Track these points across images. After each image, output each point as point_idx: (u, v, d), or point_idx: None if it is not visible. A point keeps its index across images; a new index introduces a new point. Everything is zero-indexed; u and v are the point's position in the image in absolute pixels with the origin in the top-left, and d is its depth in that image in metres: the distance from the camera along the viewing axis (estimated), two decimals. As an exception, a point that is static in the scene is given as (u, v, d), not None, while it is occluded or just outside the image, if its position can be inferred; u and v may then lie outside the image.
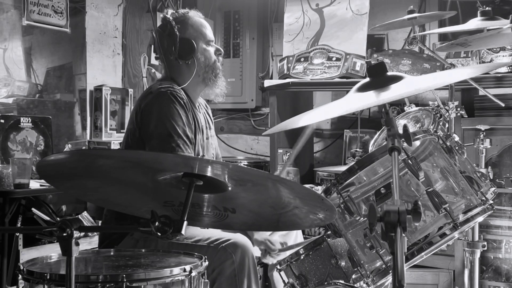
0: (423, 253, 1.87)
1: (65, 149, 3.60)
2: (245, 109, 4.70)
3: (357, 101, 1.62)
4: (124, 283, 1.58)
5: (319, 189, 3.29)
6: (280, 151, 3.89)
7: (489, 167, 2.62)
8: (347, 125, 4.26)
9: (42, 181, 3.03)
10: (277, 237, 2.57)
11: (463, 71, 2.05)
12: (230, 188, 1.59)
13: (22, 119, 3.33)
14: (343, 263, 2.04)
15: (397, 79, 1.62)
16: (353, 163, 1.95)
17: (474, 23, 2.88)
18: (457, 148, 1.99)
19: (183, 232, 1.45)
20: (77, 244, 1.43)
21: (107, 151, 2.65)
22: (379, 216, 1.28)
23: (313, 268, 2.07)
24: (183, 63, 2.62)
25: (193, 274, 1.69)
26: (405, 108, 2.48)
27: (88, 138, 3.92)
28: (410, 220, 1.28)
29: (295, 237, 2.76)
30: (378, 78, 1.64)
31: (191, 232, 2.39)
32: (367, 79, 1.66)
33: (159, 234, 1.44)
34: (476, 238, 2.64)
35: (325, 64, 3.69)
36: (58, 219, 2.05)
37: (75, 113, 3.97)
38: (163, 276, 1.64)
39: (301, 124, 1.69)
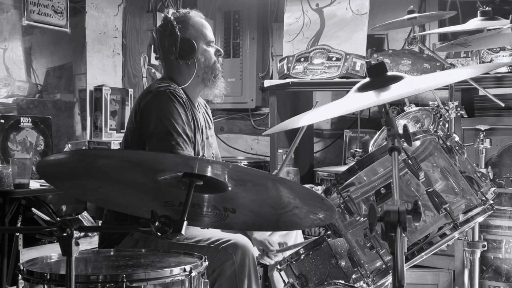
0: (423, 253, 1.87)
1: (65, 149, 3.60)
2: (245, 109, 4.70)
3: (357, 101, 1.62)
4: (124, 283, 1.58)
5: (319, 189, 3.29)
6: (280, 151, 3.88)
7: (489, 167, 2.62)
8: (347, 125, 4.26)
9: (42, 181, 3.03)
10: (277, 237, 2.57)
11: (463, 71, 2.05)
12: (230, 188, 1.59)
13: (22, 119, 3.33)
14: (343, 263, 2.04)
15: (397, 79, 1.62)
16: (353, 163, 1.95)
17: (474, 23, 2.88)
18: (457, 148, 1.99)
19: (183, 232, 1.45)
20: (77, 244, 1.43)
21: (107, 151, 2.65)
22: (379, 216, 1.28)
23: (313, 268, 2.07)
24: (183, 63, 2.62)
25: (193, 274, 1.69)
26: (405, 108, 2.48)
27: (88, 138, 3.92)
28: (410, 220, 1.28)
29: (295, 237, 2.76)
30: (378, 78, 1.64)
31: (192, 232, 2.39)
32: (367, 79, 1.66)
33: (159, 234, 1.44)
34: (476, 238, 2.64)
35: (325, 64, 3.69)
36: (58, 219, 2.05)
37: (75, 113, 3.97)
38: (163, 276, 1.64)
39: (301, 124, 1.69)
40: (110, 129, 3.96)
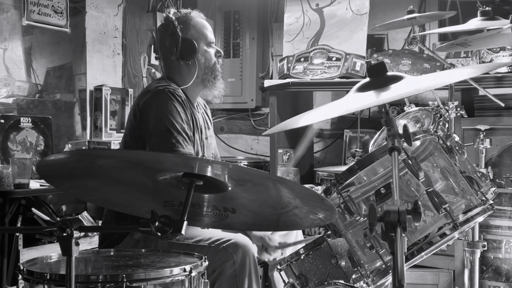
0: (423, 253, 1.87)
1: (65, 149, 3.60)
2: (245, 109, 4.70)
3: (357, 101, 1.62)
4: (124, 283, 1.58)
5: (319, 189, 3.29)
6: (280, 151, 3.89)
7: (489, 167, 2.62)
8: (347, 125, 4.26)
9: (42, 181, 3.03)
10: (277, 237, 2.57)
11: (463, 71, 2.05)
12: (230, 188, 1.59)
13: (22, 119, 3.33)
14: (343, 263, 2.04)
15: (397, 79, 1.62)
16: (353, 163, 1.95)
17: (474, 23, 2.88)
18: (457, 148, 1.99)
19: (183, 232, 1.45)
20: (77, 244, 1.43)
21: (107, 151, 2.65)
22: (379, 216, 1.28)
23: (313, 268, 2.07)
24: (184, 64, 2.62)
25: (193, 274, 1.69)
26: (405, 108, 2.48)
27: (88, 138, 3.92)
28: (410, 220, 1.28)
29: (295, 237, 2.76)
30: (378, 78, 1.64)
31: (192, 232, 2.39)
32: (367, 79, 1.66)
33: (159, 234, 1.44)
34: (476, 238, 2.64)
35: (325, 64, 3.69)
36: (58, 219, 2.05)
37: (75, 113, 3.97)
38: (163, 276, 1.64)
39: (301, 124, 1.69)
40: (110, 129, 3.96)
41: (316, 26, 3.86)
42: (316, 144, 4.49)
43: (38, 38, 3.78)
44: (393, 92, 1.56)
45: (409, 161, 1.76)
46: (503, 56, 3.32)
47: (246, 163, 4.24)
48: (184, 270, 1.68)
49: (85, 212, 3.02)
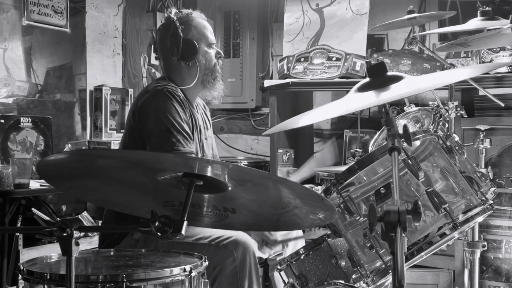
0: (423, 253, 1.87)
1: (65, 149, 3.60)
2: (245, 109, 4.70)
3: (357, 101, 1.62)
4: (124, 283, 1.58)
5: (319, 189, 3.29)
6: (280, 151, 3.89)
7: (489, 167, 2.63)
8: (347, 125, 4.25)
9: (42, 181, 3.03)
10: (277, 237, 2.57)
11: (463, 71, 2.05)
12: (230, 188, 1.59)
13: (22, 119, 3.33)
14: (343, 263, 2.04)
15: (397, 79, 1.62)
16: (353, 163, 1.95)
17: (474, 23, 2.88)
18: (457, 148, 1.99)
19: (183, 232, 1.45)
20: (77, 244, 1.43)
21: (107, 151, 2.65)
22: (379, 216, 1.28)
23: (313, 268, 2.07)
24: (184, 64, 2.62)
25: (193, 274, 1.69)
26: (405, 108, 2.48)
27: (88, 138, 3.92)
28: (410, 220, 1.28)
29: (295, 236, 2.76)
30: (378, 78, 1.64)
31: (192, 230, 2.39)
32: (367, 79, 1.66)
33: (159, 234, 1.44)
34: (476, 238, 2.64)
35: (325, 64, 3.69)
36: (58, 219, 2.05)
37: (75, 113, 3.97)
38: (163, 276, 1.64)
39: (301, 124, 1.69)
40: (110, 129, 3.96)
41: (316, 26, 3.86)
42: (316, 144, 4.49)
43: (38, 38, 3.79)
44: (393, 92, 1.56)
45: (409, 161, 1.76)
46: (503, 56, 3.32)
47: (246, 163, 4.24)
48: (184, 270, 1.68)
49: (85, 212, 3.02)
